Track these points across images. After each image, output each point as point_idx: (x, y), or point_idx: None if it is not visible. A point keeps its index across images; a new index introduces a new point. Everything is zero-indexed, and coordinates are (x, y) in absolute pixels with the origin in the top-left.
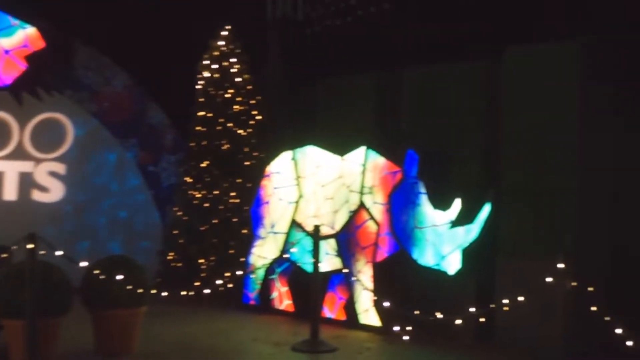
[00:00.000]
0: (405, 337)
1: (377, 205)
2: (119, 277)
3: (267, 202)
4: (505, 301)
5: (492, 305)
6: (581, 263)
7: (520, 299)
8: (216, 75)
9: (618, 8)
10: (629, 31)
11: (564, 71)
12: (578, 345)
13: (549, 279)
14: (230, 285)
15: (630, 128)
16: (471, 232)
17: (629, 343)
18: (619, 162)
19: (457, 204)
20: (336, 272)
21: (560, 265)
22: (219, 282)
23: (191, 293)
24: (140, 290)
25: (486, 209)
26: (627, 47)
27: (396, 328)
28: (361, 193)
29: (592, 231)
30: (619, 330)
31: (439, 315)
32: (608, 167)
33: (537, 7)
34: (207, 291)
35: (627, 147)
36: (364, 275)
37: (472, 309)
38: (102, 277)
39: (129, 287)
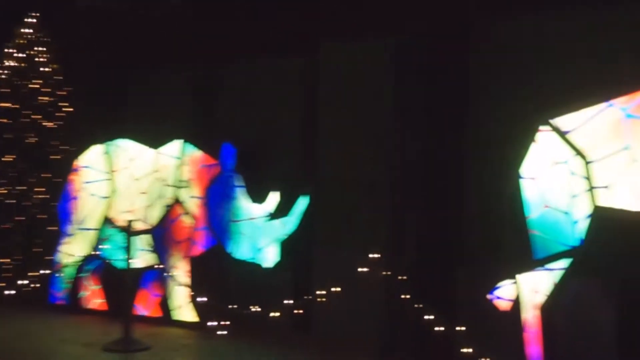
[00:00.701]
0: (223, 332)
1: (193, 199)
2: None
3: (75, 198)
4: (322, 292)
5: (309, 297)
6: (394, 253)
7: (336, 289)
8: (22, 65)
9: (430, 9)
10: (439, 31)
11: (378, 68)
12: (391, 332)
13: (363, 269)
14: (36, 285)
15: (440, 124)
16: (288, 224)
17: (439, 328)
18: (430, 157)
19: (274, 197)
20: (150, 268)
21: (374, 256)
22: (24, 282)
23: None
24: None
25: (303, 202)
26: (438, 46)
27: (213, 323)
28: (177, 187)
29: (405, 222)
30: (429, 317)
31: (256, 309)
32: (420, 162)
33: (355, 4)
34: (11, 292)
35: (438, 143)
36: (179, 270)
37: (289, 301)
38: None
39: None
